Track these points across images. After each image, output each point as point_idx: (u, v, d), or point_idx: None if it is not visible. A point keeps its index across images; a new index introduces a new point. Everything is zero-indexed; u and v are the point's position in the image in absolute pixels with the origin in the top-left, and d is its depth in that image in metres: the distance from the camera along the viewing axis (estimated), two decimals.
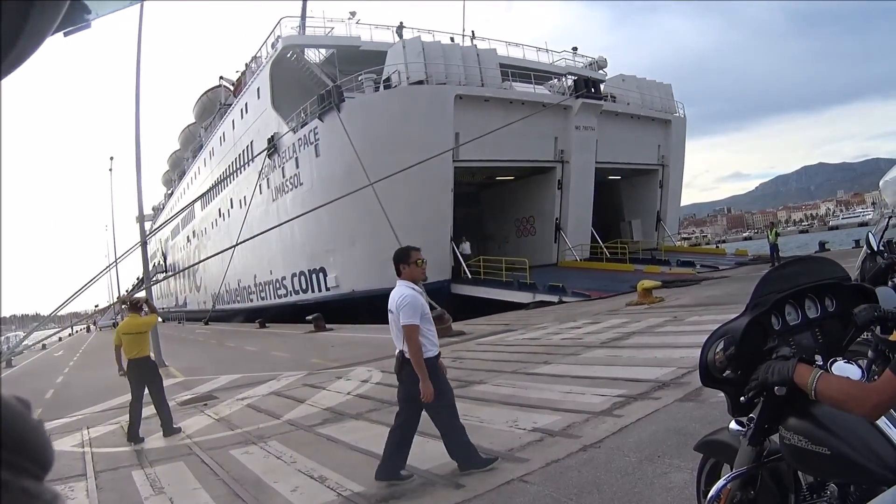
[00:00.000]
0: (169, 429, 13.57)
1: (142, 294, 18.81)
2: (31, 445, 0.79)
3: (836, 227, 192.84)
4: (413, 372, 8.46)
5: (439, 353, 8.99)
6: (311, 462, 9.78)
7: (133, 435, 13.30)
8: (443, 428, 8.62)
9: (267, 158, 49.85)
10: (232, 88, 68.26)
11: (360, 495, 8.05)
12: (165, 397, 14.16)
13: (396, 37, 48.89)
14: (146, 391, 13.79)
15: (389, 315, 8.97)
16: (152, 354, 14.88)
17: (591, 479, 7.54)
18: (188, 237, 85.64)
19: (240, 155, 57.44)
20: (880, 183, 8.39)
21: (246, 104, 55.68)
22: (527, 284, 37.65)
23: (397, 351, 8.89)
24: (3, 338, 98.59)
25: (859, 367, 3.39)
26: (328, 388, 16.68)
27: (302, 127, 44.80)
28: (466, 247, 43.81)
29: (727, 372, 3.68)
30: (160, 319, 16.34)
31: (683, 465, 7.27)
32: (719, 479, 4.08)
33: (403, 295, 8.88)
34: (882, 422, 3.18)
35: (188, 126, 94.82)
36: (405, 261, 9.25)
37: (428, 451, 9.32)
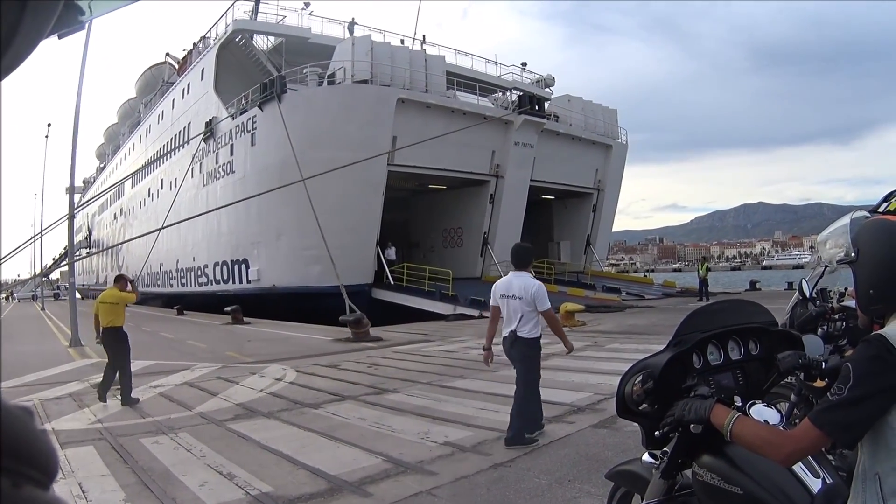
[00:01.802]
0: (127, 398, 14.27)
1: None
2: (36, 454, 0.78)
3: (770, 268, 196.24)
4: (521, 347, 9.81)
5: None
6: (220, 457, 9.60)
7: (102, 395, 14.50)
8: (521, 393, 9.74)
9: (202, 142, 49.02)
10: (177, 66, 67.13)
11: (267, 495, 7.89)
12: (130, 368, 14.97)
13: (347, 33, 48.71)
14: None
15: (508, 300, 10.05)
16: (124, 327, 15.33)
17: (499, 498, 7.56)
18: (115, 214, 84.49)
19: (176, 135, 56.69)
20: (818, 237, 8.32)
21: (188, 84, 55.03)
22: (448, 296, 37.59)
23: (508, 332, 9.95)
24: None
25: (778, 411, 3.48)
26: (242, 383, 16.55)
27: (241, 114, 44.30)
28: (392, 252, 43.79)
29: (644, 405, 3.69)
30: (134, 302, 16.40)
31: (594, 491, 7.32)
32: None
33: (538, 284, 10.17)
34: (797, 467, 3.23)
35: (128, 100, 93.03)
36: (529, 262, 10.68)
37: (338, 456, 9.35)
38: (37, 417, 0.92)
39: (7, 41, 0.75)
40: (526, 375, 9.77)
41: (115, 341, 15.06)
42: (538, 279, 10.44)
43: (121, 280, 16.16)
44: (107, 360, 15.13)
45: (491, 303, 10.40)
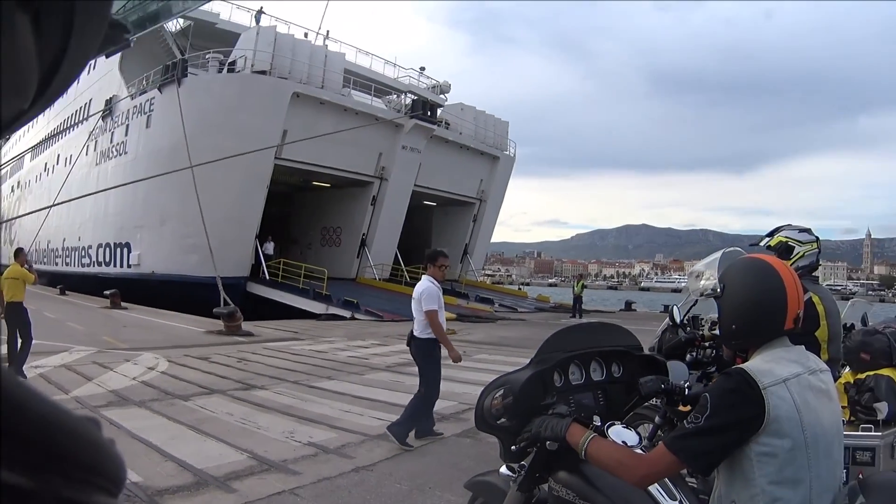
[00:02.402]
0: (18, 371, 14.01)
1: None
2: (106, 464, 0.80)
3: (648, 289, 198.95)
4: (419, 346, 10.64)
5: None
6: None
7: (19, 371, 14.32)
8: (421, 391, 10.52)
9: (101, 120, 47.86)
10: None
11: (136, 485, 7.84)
12: (30, 343, 15.42)
13: (254, 21, 48.01)
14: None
15: (413, 302, 10.77)
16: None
17: (360, 501, 7.72)
18: (13, 187, 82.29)
19: (77, 111, 55.20)
20: (692, 269, 8.61)
21: (94, 60, 52.91)
22: (322, 295, 37.49)
23: (409, 331, 10.97)
24: None
25: (638, 433, 3.55)
26: (116, 369, 16.33)
27: (141, 94, 43.43)
28: (270, 247, 43.58)
29: (502, 420, 3.75)
30: (34, 283, 16.93)
31: (454, 499, 7.48)
32: None
33: (426, 287, 10.66)
34: (654, 489, 3.34)
35: None
36: (433, 261, 11.00)
37: (205, 450, 9.39)
38: (104, 428, 0.87)
39: (56, 64, 0.77)
40: (425, 374, 10.53)
41: (19, 315, 15.52)
42: (412, 283, 10.92)
43: (20, 254, 16.85)
44: (7, 336, 15.20)
45: None
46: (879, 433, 5.65)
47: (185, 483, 8.08)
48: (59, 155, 58.89)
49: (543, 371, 3.85)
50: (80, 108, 54.42)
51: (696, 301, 7.88)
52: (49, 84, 0.77)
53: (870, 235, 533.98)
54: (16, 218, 62.09)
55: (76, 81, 0.89)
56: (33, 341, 15.79)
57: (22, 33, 0.65)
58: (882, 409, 5.87)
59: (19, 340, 15.33)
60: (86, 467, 0.75)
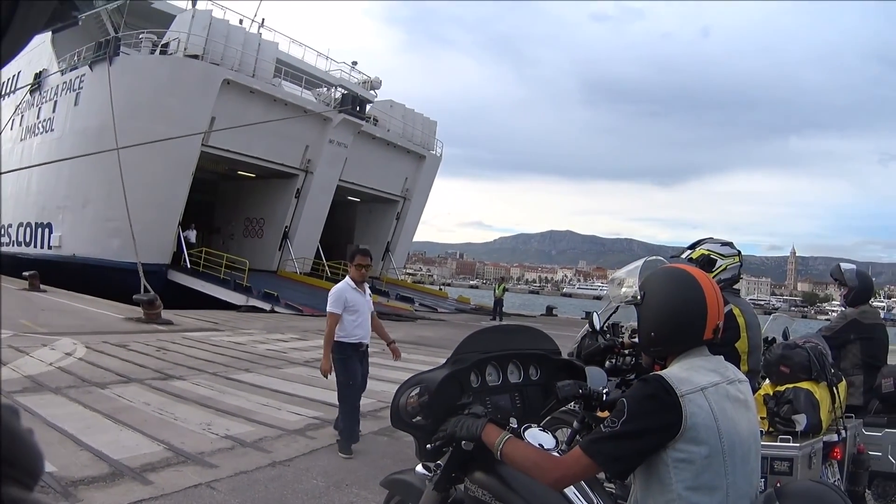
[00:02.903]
0: None
1: None
2: (22, 455, 0.79)
3: (570, 295, 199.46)
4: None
5: (360, 343, 10.13)
6: None
7: None
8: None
9: (28, 94, 46.78)
10: None
11: (50, 475, 7.64)
12: None
13: (191, 4, 46.70)
14: None
15: None
16: None
17: (277, 496, 7.68)
18: None
19: (4, 83, 53.61)
20: (613, 275, 8.71)
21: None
22: (242, 286, 37.23)
23: None
24: None
25: (555, 436, 3.61)
26: (32, 354, 15.97)
27: (71, 70, 42.62)
28: (192, 235, 43.02)
29: (418, 418, 3.77)
30: None
31: (370, 497, 7.56)
32: None
33: (335, 288, 10.26)
34: (570, 491, 3.39)
35: None
36: (350, 260, 10.34)
37: (122, 440, 9.30)
38: (22, 417, 0.94)
39: None
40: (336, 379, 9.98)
41: None
42: (332, 278, 10.72)
43: None
44: None
45: None
46: (798, 444, 5.77)
47: (101, 474, 7.95)
48: None
49: (460, 371, 3.90)
50: (8, 80, 53.01)
51: (617, 308, 7.99)
52: None
53: (794, 253, 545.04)
54: None
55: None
56: None
57: None
58: (801, 420, 6.01)
59: None
60: (2, 459, 0.75)
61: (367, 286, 10.43)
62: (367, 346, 10.21)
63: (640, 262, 7.71)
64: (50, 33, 44.50)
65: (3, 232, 49.05)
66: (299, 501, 7.58)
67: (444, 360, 4.06)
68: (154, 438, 9.46)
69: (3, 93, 53.40)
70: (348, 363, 9.87)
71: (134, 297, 26.79)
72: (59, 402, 11.42)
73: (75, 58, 42.84)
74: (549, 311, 53.77)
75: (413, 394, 3.80)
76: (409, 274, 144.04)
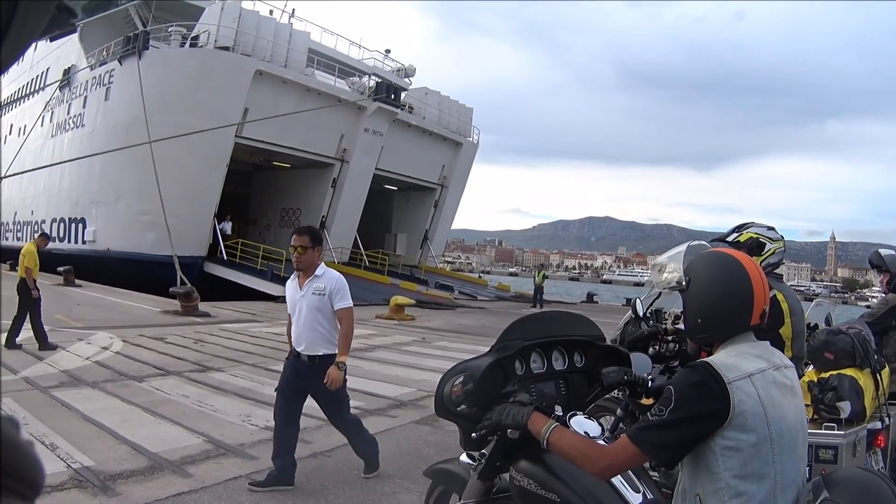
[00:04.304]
0: (10, 343, 15.70)
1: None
2: (22, 467, 0.79)
3: (610, 282, 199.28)
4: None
5: (294, 350, 7.97)
6: (43, 426, 9.26)
7: (10, 343, 15.63)
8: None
9: (58, 90, 46.92)
10: None
11: (89, 469, 7.63)
12: (34, 316, 16.20)
13: None
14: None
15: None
16: (32, 281, 16.61)
17: (318, 487, 7.59)
18: None
19: (33, 80, 54.39)
20: (655, 261, 8.49)
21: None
22: (280, 277, 36.83)
23: None
24: None
25: (600, 424, 3.52)
26: (68, 349, 16.07)
27: (100, 65, 42.69)
28: (227, 227, 43.23)
29: (462, 406, 3.71)
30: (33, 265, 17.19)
31: (413, 487, 7.46)
32: None
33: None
34: (617, 480, 3.32)
35: None
36: None
37: (160, 433, 9.24)
38: (23, 428, 0.84)
39: None
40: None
41: (18, 290, 16.56)
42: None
43: (40, 237, 18.70)
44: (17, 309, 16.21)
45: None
46: (842, 432, 5.68)
47: (139, 467, 7.86)
48: (11, 125, 57.93)
49: (504, 358, 3.81)
50: (37, 76, 53.59)
51: (660, 294, 7.86)
52: None
53: (834, 238, 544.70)
54: None
55: (19, 60, 0.87)
56: (40, 316, 16.50)
57: None
58: (845, 408, 5.89)
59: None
60: (3, 471, 0.75)
61: (318, 279, 7.88)
62: (313, 358, 7.77)
63: (682, 247, 7.51)
64: (77, 30, 44.78)
65: (37, 227, 48.67)
66: (340, 491, 7.47)
67: (484, 349, 3.95)
68: (193, 431, 9.39)
69: (30, 90, 53.90)
70: (287, 368, 8.13)
71: (170, 289, 26.93)
72: (97, 397, 11.35)
73: (104, 53, 42.97)
74: (590, 298, 53.57)
75: (457, 382, 3.73)
76: (448, 262, 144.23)
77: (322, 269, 7.92)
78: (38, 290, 16.57)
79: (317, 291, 7.74)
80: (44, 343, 15.81)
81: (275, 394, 7.87)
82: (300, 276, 7.94)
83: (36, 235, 18.56)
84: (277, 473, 7.51)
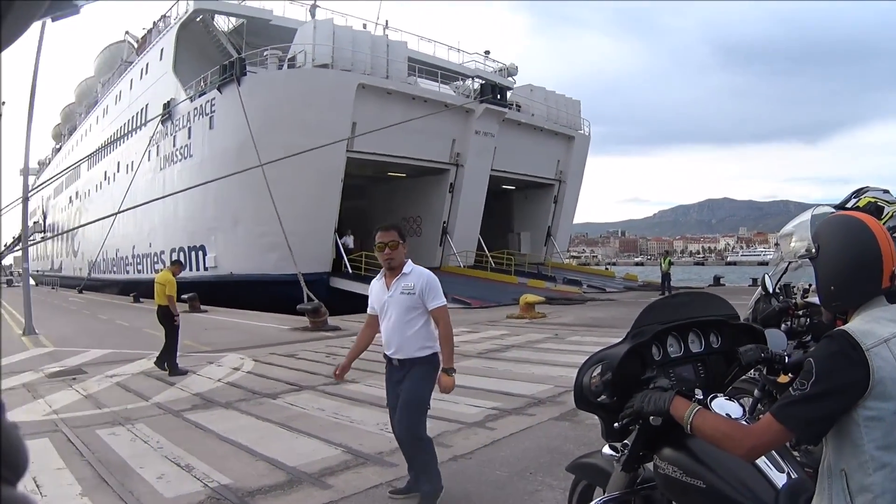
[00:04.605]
0: (172, 366, 16.18)
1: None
2: (6, 451, 0.79)
3: (734, 263, 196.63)
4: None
5: (385, 355, 7.41)
6: (178, 449, 9.33)
7: (159, 364, 16.35)
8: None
9: (160, 125, 48.34)
10: (136, 45, 66.21)
11: (226, 487, 7.68)
12: (175, 342, 16.73)
13: (309, 15, 48.07)
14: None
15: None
16: (175, 308, 17.21)
17: (461, 491, 7.40)
18: (70, 198, 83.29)
19: (134, 117, 55.85)
20: (781, 230, 8.18)
21: (147, 64, 54.13)
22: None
23: None
24: None
25: (741, 405, 3.36)
26: (199, 372, 16.28)
27: (200, 96, 43.68)
28: (350, 240, 43.52)
29: (602, 397, 3.61)
30: (173, 293, 17.75)
31: (556, 483, 7.25)
32: (591, 502, 4.06)
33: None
34: (761, 461, 3.18)
35: (86, 79, 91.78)
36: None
37: (297, 447, 9.23)
38: (6, 412, 0.84)
39: None
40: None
41: (160, 318, 17.18)
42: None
43: (174, 264, 18.89)
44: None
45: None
46: None
47: (278, 482, 7.87)
48: (119, 162, 59.56)
49: (641, 344, 3.68)
50: (137, 113, 54.93)
51: (787, 268, 7.77)
52: None
53: None
54: (78, 227, 62.77)
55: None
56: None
57: None
58: None
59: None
60: None
61: (406, 277, 7.15)
62: (406, 362, 7.17)
63: (807, 215, 7.46)
64: (172, 63, 45.92)
65: (157, 258, 50.79)
66: (483, 493, 7.33)
67: (618, 341, 3.80)
68: (330, 442, 9.33)
69: (132, 128, 55.45)
70: (386, 381, 7.56)
71: (298, 307, 27.12)
72: (231, 416, 11.43)
73: (201, 83, 43.87)
74: (717, 280, 53.02)
75: (595, 373, 3.62)
76: (574, 257, 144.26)
77: (409, 266, 7.26)
78: (179, 317, 17.08)
79: (406, 290, 7.07)
80: (173, 369, 16.07)
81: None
82: (387, 276, 7.28)
83: (168, 264, 19.21)
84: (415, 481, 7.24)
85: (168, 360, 16.33)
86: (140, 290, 48.61)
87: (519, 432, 9.57)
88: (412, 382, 7.09)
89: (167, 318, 16.89)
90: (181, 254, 45.94)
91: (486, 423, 10.16)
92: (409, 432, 7.08)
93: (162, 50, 50.50)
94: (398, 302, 7.07)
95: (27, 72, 28.66)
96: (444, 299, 7.24)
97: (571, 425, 9.85)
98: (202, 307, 35.68)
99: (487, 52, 57.83)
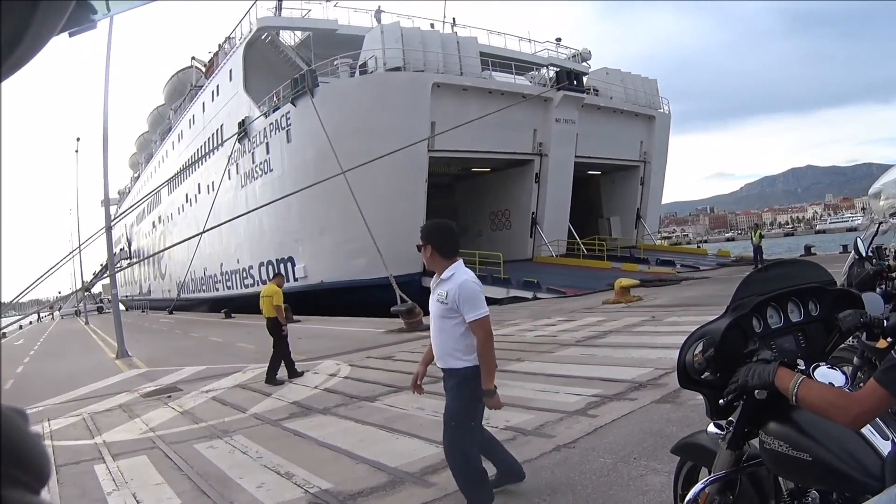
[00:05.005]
0: (291, 371, 16.92)
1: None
2: (30, 458, 0.80)
3: (823, 231, 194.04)
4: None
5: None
6: (277, 458, 9.43)
7: (270, 378, 16.39)
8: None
9: (237, 143, 49.19)
10: (204, 70, 67.71)
11: (327, 492, 7.70)
12: (288, 350, 17.32)
13: (375, 21, 48.41)
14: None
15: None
16: (284, 319, 17.62)
17: (564, 480, 7.29)
18: (154, 223, 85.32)
19: (209, 138, 56.85)
20: (870, 190, 7.87)
21: (217, 86, 55.02)
22: (501, 279, 37.24)
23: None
24: None
25: (843, 373, 3.26)
26: (295, 381, 16.44)
27: (274, 111, 44.18)
28: None
29: (706, 374, 3.57)
30: (280, 303, 18.01)
31: (660, 467, 7.11)
32: (697, 482, 3.99)
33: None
34: (866, 429, 3.09)
35: (157, 107, 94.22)
36: None
37: (398, 448, 9.21)
38: (30, 420, 0.82)
39: (17, 39, 0.77)
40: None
41: (270, 330, 17.43)
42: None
43: (276, 277, 19.41)
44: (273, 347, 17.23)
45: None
46: None
47: (380, 483, 7.86)
48: (199, 184, 60.78)
49: (742, 317, 3.60)
50: (212, 135, 55.90)
51: (878, 230, 7.66)
52: (7, 58, 0.80)
53: None
54: (163, 250, 64.95)
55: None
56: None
57: None
58: None
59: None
60: (9, 461, 0.76)
61: (443, 283, 6.49)
62: (446, 371, 6.69)
63: (893, 173, 7.48)
64: (242, 82, 46.43)
65: (246, 274, 51.94)
66: (588, 482, 7.13)
67: (717, 316, 3.73)
68: (431, 441, 9.14)
69: (209, 149, 56.50)
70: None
71: (392, 309, 27.23)
72: (330, 422, 11.47)
73: (274, 99, 44.36)
74: (808, 250, 51.60)
75: (697, 350, 3.53)
76: (665, 237, 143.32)
77: (451, 270, 6.47)
78: (287, 328, 17.39)
79: (439, 298, 6.47)
80: (272, 379, 16.38)
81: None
82: (437, 275, 6.64)
83: (270, 278, 20.05)
84: (501, 475, 7.07)
85: (287, 367, 16.94)
86: (231, 305, 50.03)
87: (621, 418, 9.40)
88: (447, 395, 6.72)
89: (277, 328, 17.21)
90: (269, 267, 46.89)
91: (588, 411, 9.98)
92: (445, 447, 6.72)
93: (231, 70, 51.27)
94: (433, 308, 6.62)
95: (98, 106, 29.11)
96: (484, 309, 6.37)
97: (673, 407, 9.66)
98: (295, 317, 35.52)
99: (559, 40, 57.70)
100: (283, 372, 16.85)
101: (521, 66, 49.49)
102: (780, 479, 3.55)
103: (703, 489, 3.75)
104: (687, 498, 3.83)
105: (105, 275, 44.53)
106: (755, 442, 3.59)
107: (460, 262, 6.56)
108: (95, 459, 10.55)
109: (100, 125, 29.31)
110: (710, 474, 3.84)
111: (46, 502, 0.77)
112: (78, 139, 73.44)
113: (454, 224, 6.92)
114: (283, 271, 44.08)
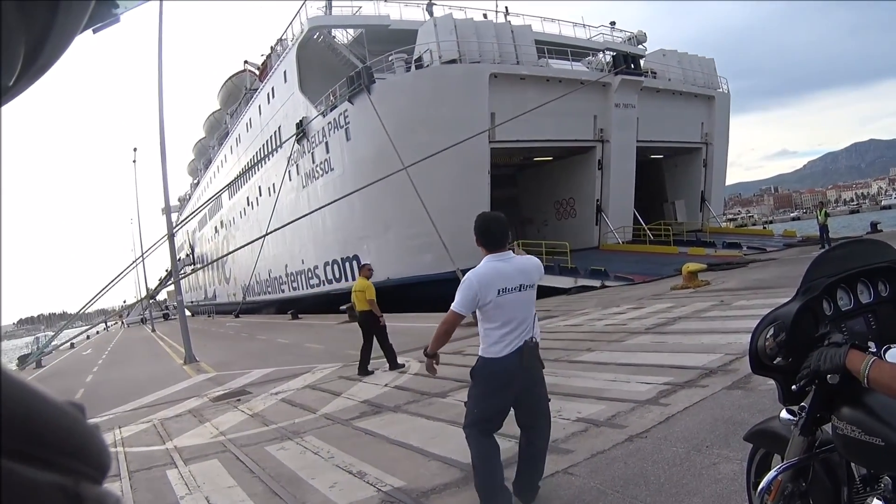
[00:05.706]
0: (394, 364, 17.58)
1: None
2: (90, 450, 0.82)
3: (890, 207, 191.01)
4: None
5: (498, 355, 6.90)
6: (349, 457, 9.49)
7: (363, 370, 17.09)
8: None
9: (296, 144, 49.32)
10: (257, 73, 68.13)
11: (400, 490, 7.76)
12: (388, 340, 18.12)
13: (427, 15, 48.34)
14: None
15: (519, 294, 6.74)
16: (375, 309, 18.32)
17: (637, 471, 7.27)
18: (216, 228, 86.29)
19: (267, 141, 57.20)
20: None
21: (272, 88, 55.24)
22: (568, 269, 37.00)
23: (522, 340, 6.85)
24: (32, 338, 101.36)
25: None
26: (364, 380, 16.49)
27: (331, 110, 44.21)
28: None
29: (778, 359, 3.55)
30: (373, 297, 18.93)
31: (732, 455, 7.06)
32: (770, 470, 3.88)
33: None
34: None
35: (213, 113, 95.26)
36: None
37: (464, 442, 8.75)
38: (87, 413, 0.83)
39: (42, 40, 0.77)
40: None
41: (362, 322, 18.26)
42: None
43: (363, 268, 19.96)
44: (363, 341, 17.92)
45: (467, 309, 6.68)
46: None
47: (453, 479, 7.92)
48: (260, 186, 61.25)
49: (811, 300, 3.58)
50: (270, 137, 56.24)
51: None
52: (34, 61, 0.81)
53: None
54: (227, 255, 65.46)
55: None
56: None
57: (6, 10, 0.69)
58: None
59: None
60: (68, 453, 0.77)
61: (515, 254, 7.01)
62: None
63: None
64: (297, 83, 46.54)
65: (311, 274, 52.09)
66: (660, 472, 7.11)
67: (786, 300, 3.72)
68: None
69: (268, 151, 57.03)
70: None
71: None
72: (400, 420, 11.50)
73: (331, 98, 44.46)
74: (874, 227, 50.70)
75: (769, 335, 3.53)
76: (731, 219, 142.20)
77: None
78: (383, 317, 18.12)
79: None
80: (394, 363, 17.51)
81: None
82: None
83: (360, 269, 20.21)
84: (514, 485, 7.07)
85: (388, 358, 17.66)
86: (297, 306, 50.35)
87: (692, 405, 9.33)
88: None
89: (372, 321, 17.88)
90: (335, 266, 47.36)
91: (660, 400, 9.93)
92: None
93: (285, 72, 51.48)
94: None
95: (154, 115, 29.24)
96: (457, 301, 6.69)
97: (744, 393, 9.53)
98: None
99: (613, 23, 57.57)
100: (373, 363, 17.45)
101: (576, 52, 49.15)
102: (852, 465, 3.44)
103: (776, 476, 3.66)
104: (760, 486, 3.77)
105: (170, 282, 44.91)
106: (828, 427, 3.47)
107: (496, 254, 6.86)
108: (167, 464, 10.68)
109: (157, 135, 29.63)
110: (782, 461, 3.73)
111: (115, 493, 0.79)
112: (135, 149, 74.67)
113: (498, 215, 6.93)
114: (348, 270, 45.26)
